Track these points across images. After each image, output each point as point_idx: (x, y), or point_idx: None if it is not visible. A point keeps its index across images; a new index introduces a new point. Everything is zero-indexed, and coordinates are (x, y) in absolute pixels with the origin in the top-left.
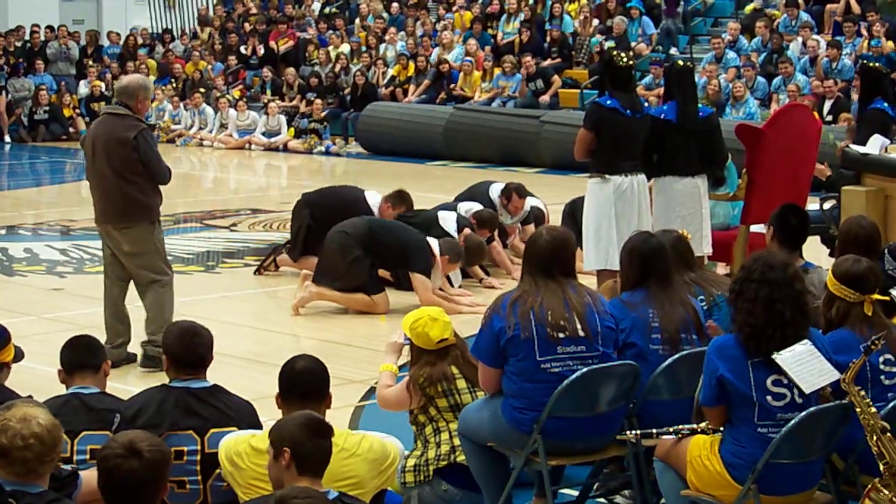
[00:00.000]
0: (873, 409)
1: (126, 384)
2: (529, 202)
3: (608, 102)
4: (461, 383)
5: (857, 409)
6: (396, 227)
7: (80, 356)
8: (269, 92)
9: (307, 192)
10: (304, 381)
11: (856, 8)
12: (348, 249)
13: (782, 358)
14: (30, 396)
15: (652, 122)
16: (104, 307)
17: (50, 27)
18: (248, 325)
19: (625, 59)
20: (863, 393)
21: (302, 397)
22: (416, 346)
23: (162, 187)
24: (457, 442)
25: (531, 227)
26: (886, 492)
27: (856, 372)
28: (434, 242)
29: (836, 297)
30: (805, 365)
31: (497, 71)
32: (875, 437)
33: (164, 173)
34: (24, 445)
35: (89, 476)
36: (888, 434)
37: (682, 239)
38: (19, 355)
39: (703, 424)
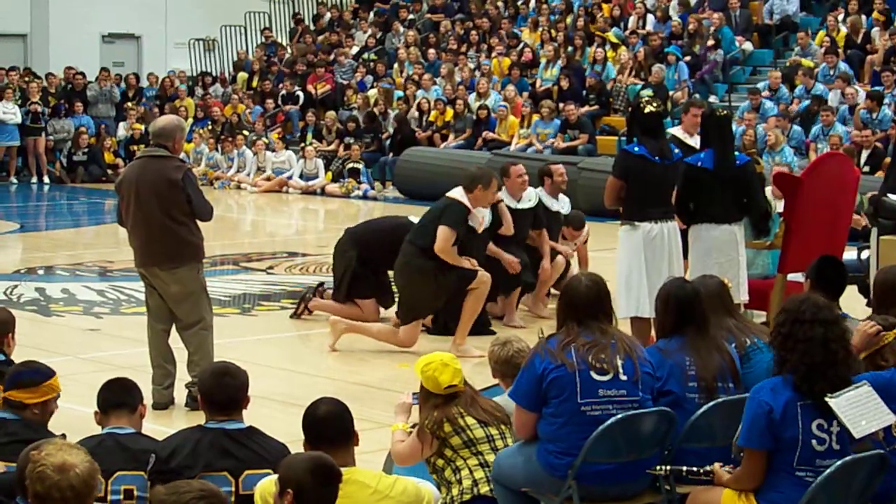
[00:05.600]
0: None
1: (171, 427)
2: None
3: (636, 150)
4: (469, 420)
5: None
6: (427, 212)
7: (117, 396)
8: (310, 136)
9: (352, 228)
10: (329, 428)
11: None
12: (423, 275)
13: (835, 402)
14: (63, 435)
15: (689, 170)
16: (151, 349)
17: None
18: (283, 368)
19: (652, 106)
20: None
21: (329, 443)
22: (424, 390)
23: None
24: (477, 475)
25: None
26: None
27: None
28: (456, 191)
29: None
30: (859, 408)
31: (535, 117)
32: None
33: (208, 211)
34: (61, 497)
35: None
36: None
37: (723, 285)
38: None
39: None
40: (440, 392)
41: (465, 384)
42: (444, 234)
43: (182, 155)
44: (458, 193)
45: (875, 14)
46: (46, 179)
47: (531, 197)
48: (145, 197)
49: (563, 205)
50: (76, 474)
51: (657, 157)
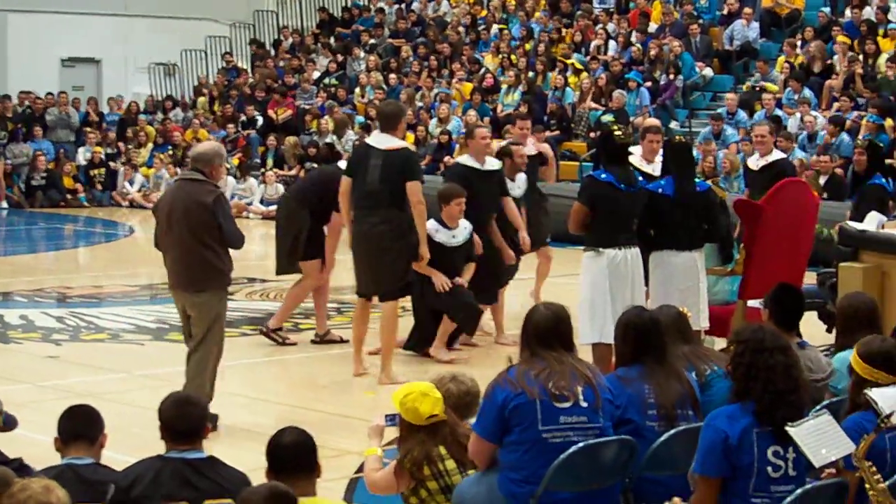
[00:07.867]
0: (883, 486)
1: (131, 456)
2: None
3: (602, 176)
4: (450, 464)
5: (867, 486)
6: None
7: (78, 428)
8: (270, 161)
9: (294, 190)
10: (293, 457)
11: (859, 83)
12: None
13: (796, 431)
14: (19, 459)
15: (649, 197)
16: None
17: (50, 93)
18: (244, 395)
19: (622, 134)
20: (874, 469)
21: (292, 473)
22: (405, 422)
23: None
24: None
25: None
26: None
27: (867, 447)
28: (389, 140)
29: (866, 380)
30: (820, 437)
31: (496, 143)
32: None
33: (239, 238)
34: None
35: None
36: None
37: (681, 315)
38: (12, 423)
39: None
40: (422, 423)
41: (447, 412)
42: (417, 188)
43: (221, 182)
44: (392, 142)
45: (840, 38)
46: (4, 204)
47: (494, 163)
48: (177, 219)
49: (519, 185)
50: (57, 496)
51: (623, 185)
